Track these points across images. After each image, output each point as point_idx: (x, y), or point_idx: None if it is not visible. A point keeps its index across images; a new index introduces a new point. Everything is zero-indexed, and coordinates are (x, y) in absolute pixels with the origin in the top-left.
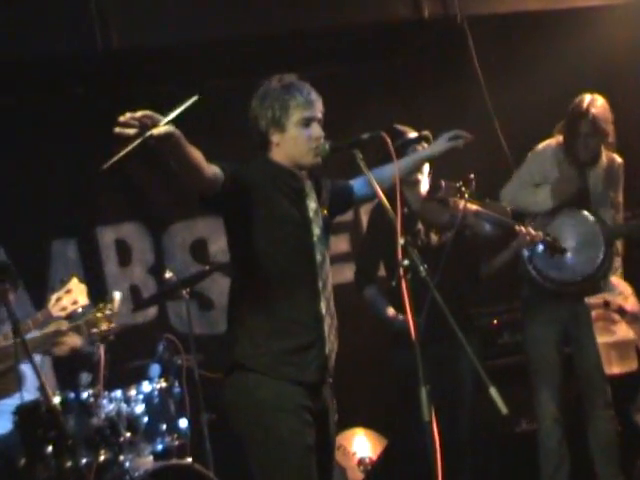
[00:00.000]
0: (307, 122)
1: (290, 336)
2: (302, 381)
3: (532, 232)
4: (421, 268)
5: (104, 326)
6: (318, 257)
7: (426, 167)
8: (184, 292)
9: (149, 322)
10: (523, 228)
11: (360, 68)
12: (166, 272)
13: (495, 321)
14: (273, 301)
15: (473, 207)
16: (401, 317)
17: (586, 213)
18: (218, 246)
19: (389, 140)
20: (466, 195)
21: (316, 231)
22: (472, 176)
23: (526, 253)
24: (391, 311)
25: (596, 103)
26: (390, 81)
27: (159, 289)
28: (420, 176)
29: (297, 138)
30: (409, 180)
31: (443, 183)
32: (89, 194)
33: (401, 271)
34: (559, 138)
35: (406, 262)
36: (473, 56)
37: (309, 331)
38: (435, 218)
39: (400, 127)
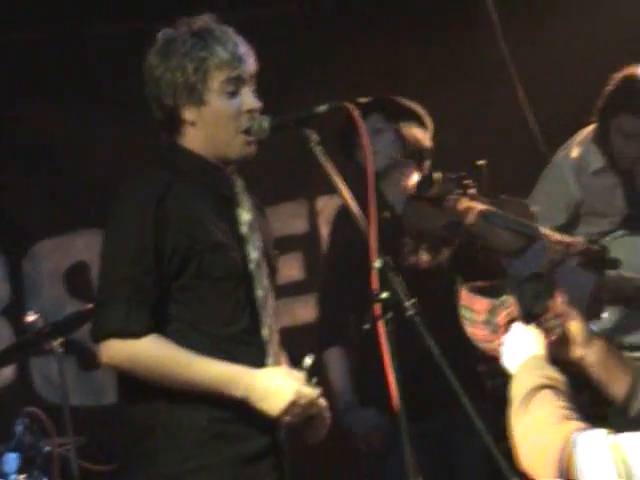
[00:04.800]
0: (234, 89)
1: (236, 442)
2: None
3: (566, 239)
4: (407, 304)
5: None
6: (260, 292)
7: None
8: (55, 343)
9: (2, 390)
10: (553, 233)
11: (318, 5)
12: (28, 314)
13: None
14: (205, 396)
15: (481, 207)
16: (364, 414)
17: None
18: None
19: (356, 114)
20: (471, 190)
21: (253, 254)
22: (482, 163)
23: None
24: (347, 395)
25: None
26: (364, 26)
27: (17, 339)
28: (405, 166)
29: (220, 113)
30: (390, 172)
31: (438, 175)
32: None
33: (377, 308)
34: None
35: (384, 295)
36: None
37: (260, 435)
38: (425, 226)
39: (390, 97)
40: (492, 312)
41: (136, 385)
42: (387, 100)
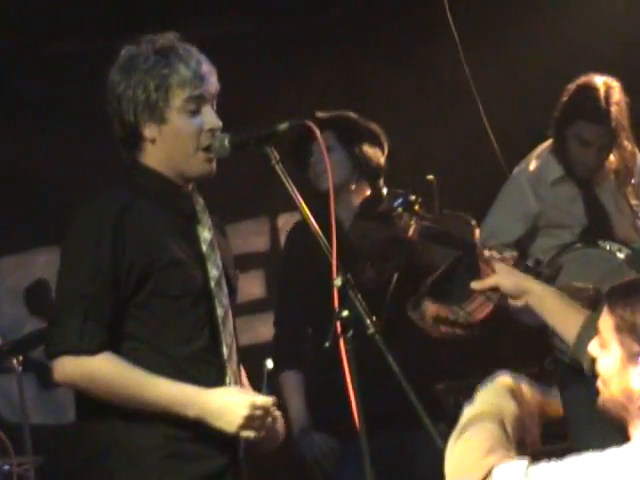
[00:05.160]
0: (196, 107)
1: (194, 460)
2: None
3: (497, 255)
4: (368, 321)
5: None
6: (219, 311)
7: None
8: (15, 361)
9: None
10: (490, 251)
11: (276, 24)
12: None
13: None
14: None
15: (420, 224)
16: (317, 440)
17: (608, 246)
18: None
19: (317, 132)
20: (416, 207)
21: (213, 272)
22: (431, 178)
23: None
24: (302, 421)
25: (612, 92)
26: (325, 43)
27: None
28: (355, 184)
29: (181, 132)
30: (340, 191)
31: (386, 191)
32: None
33: (338, 326)
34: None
35: (345, 313)
36: (447, 11)
37: (220, 454)
38: (369, 243)
39: (345, 115)
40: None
41: (92, 403)
42: (341, 117)
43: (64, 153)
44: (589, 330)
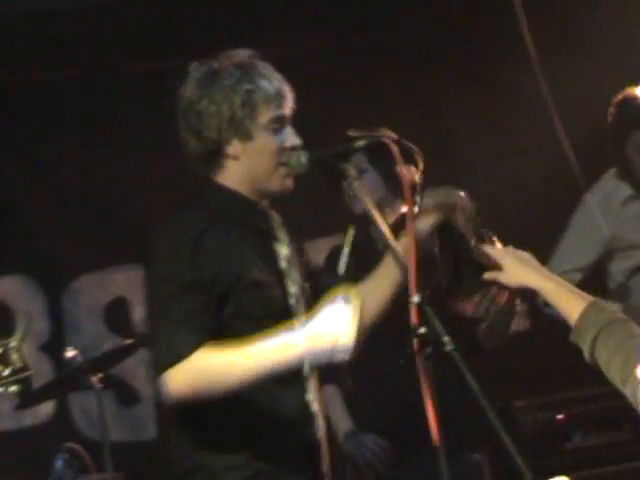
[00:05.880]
0: (279, 125)
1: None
2: None
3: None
4: (445, 338)
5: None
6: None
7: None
8: (95, 379)
9: (42, 425)
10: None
11: (352, 41)
12: (67, 349)
13: (560, 416)
14: (249, 435)
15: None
16: (365, 439)
17: None
18: (145, 309)
19: (396, 148)
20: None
21: (292, 289)
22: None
23: None
24: (347, 425)
25: None
26: (399, 61)
27: (57, 375)
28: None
29: (265, 149)
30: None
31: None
32: None
33: (416, 343)
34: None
35: (422, 330)
36: (523, 24)
37: (304, 470)
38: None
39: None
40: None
41: (178, 424)
42: (372, 137)
43: (143, 172)
44: (589, 316)
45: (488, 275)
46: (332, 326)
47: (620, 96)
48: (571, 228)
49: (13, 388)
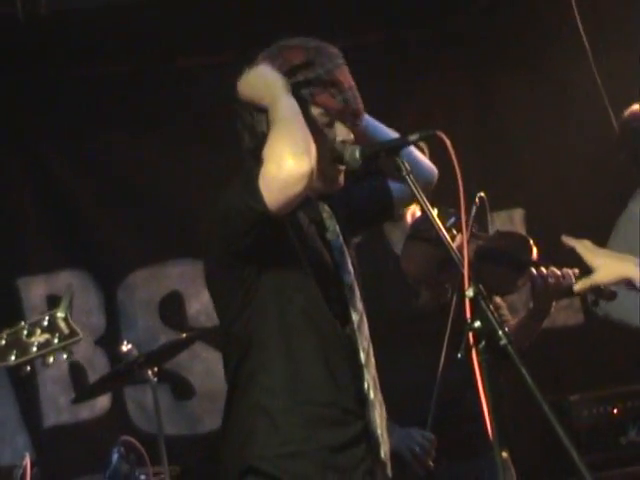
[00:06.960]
0: (331, 120)
1: (333, 427)
2: None
3: (556, 271)
4: (500, 333)
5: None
6: (354, 316)
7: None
8: (150, 372)
9: (98, 418)
10: (541, 269)
11: (394, 37)
12: (123, 343)
13: (615, 410)
14: (303, 380)
15: (476, 244)
16: (408, 432)
17: None
18: (200, 304)
19: (449, 143)
20: (469, 226)
21: (347, 278)
22: (482, 195)
23: None
24: None
25: None
26: (454, 52)
27: (112, 369)
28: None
29: (317, 143)
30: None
31: (437, 210)
32: (9, 233)
33: (471, 337)
34: None
35: (477, 324)
36: (577, 18)
37: (355, 420)
38: (421, 266)
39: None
40: None
41: (239, 410)
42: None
43: (197, 167)
44: None
45: (582, 284)
46: None
47: (630, 111)
48: (616, 234)
49: (64, 355)
